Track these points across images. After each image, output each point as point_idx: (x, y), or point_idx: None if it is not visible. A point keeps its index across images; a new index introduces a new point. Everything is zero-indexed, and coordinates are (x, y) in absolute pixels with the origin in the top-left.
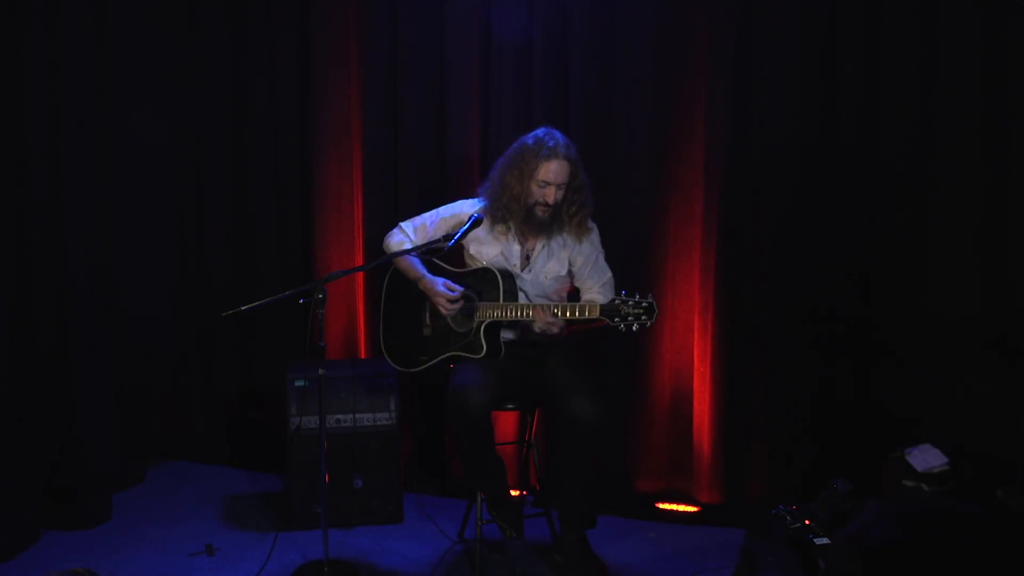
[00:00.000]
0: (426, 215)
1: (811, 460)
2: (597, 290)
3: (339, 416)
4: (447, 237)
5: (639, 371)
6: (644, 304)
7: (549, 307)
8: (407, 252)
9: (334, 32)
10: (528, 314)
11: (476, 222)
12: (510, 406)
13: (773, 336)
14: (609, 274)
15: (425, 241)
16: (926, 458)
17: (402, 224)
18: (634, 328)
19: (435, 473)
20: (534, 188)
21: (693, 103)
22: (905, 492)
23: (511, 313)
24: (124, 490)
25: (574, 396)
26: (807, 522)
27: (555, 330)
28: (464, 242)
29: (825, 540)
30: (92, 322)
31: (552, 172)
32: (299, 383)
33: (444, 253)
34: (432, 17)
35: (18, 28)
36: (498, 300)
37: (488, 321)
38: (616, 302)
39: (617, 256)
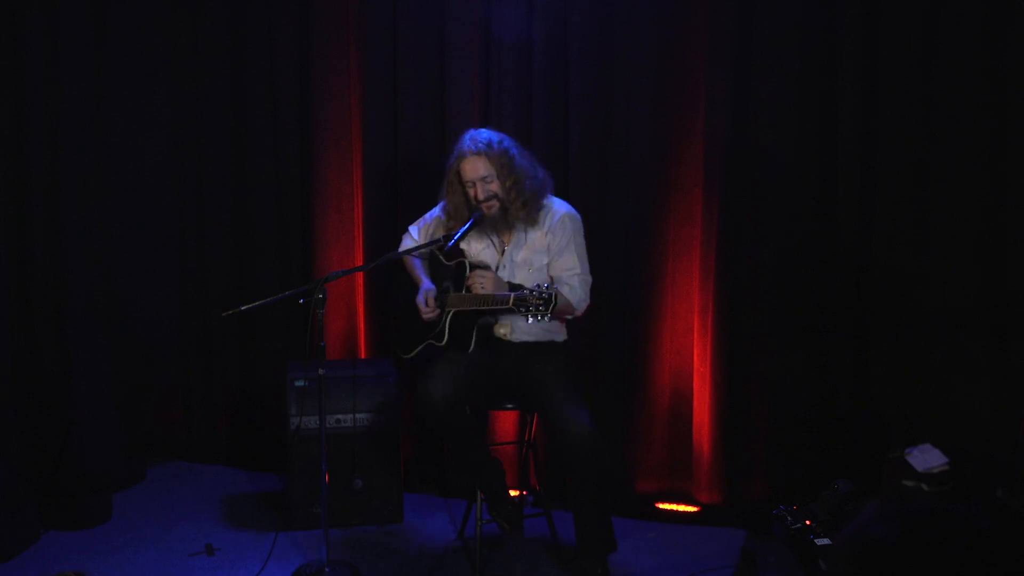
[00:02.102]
0: (427, 214)
1: (811, 460)
2: (565, 281)
3: (339, 416)
4: (447, 237)
5: (639, 371)
6: (545, 295)
7: (481, 299)
8: (410, 252)
9: (334, 32)
10: (477, 304)
11: (476, 222)
12: (509, 405)
13: (773, 336)
14: (579, 269)
15: (426, 239)
16: (926, 458)
17: (410, 228)
18: (538, 319)
19: (435, 473)
20: (467, 189)
21: (693, 103)
22: (905, 492)
23: (466, 304)
24: (124, 490)
25: (563, 413)
26: (808, 522)
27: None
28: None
29: (826, 540)
30: (92, 322)
31: (467, 171)
32: (299, 383)
33: (448, 250)
34: (432, 17)
35: (18, 30)
36: (461, 292)
37: (453, 311)
38: (526, 293)
39: (617, 256)
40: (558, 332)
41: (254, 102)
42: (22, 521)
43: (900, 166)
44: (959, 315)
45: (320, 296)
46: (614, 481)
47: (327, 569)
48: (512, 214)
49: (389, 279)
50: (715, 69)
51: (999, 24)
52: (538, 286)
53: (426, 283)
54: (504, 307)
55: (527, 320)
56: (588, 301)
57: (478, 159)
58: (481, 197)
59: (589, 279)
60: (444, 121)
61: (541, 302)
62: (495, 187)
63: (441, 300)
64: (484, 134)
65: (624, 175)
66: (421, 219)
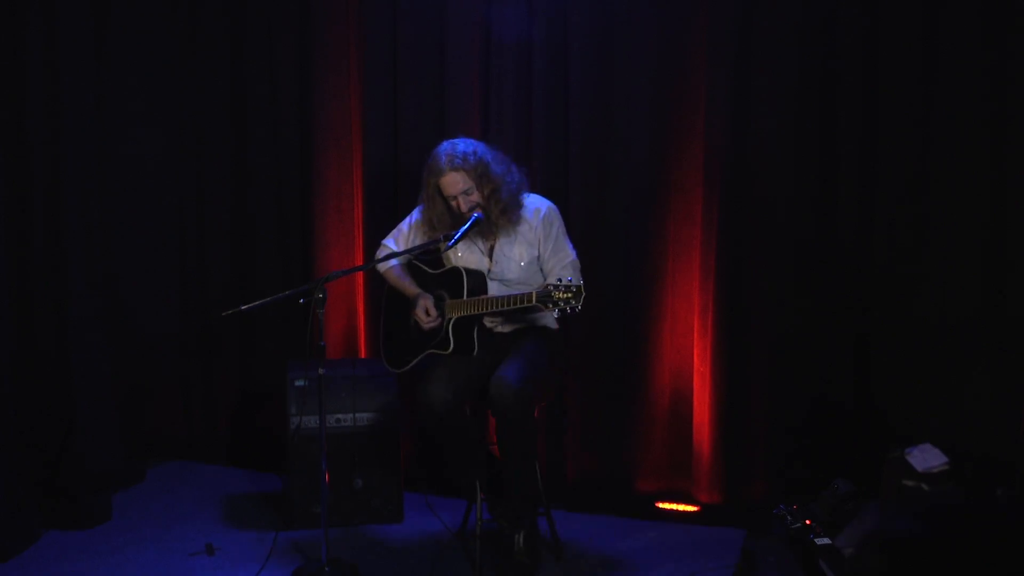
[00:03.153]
0: (401, 223)
1: (811, 460)
2: (558, 272)
3: (339, 416)
4: (447, 237)
5: (639, 371)
6: (573, 288)
7: (494, 301)
8: (411, 251)
9: (334, 32)
10: (485, 307)
11: (476, 222)
12: None
13: (773, 336)
14: (572, 256)
15: (407, 247)
16: (926, 458)
17: (385, 241)
18: (567, 312)
19: (435, 473)
20: (449, 201)
21: (693, 103)
22: (905, 492)
23: (472, 308)
24: (124, 490)
25: (498, 375)
26: (807, 522)
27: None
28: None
29: (826, 540)
30: (92, 322)
31: (446, 186)
32: (299, 383)
33: (441, 254)
34: (432, 17)
35: (18, 27)
36: (462, 297)
37: (455, 318)
38: (549, 288)
39: (617, 256)
40: (548, 321)
41: (254, 102)
42: (22, 521)
43: (900, 166)
44: (959, 314)
45: (320, 296)
46: (532, 451)
47: (327, 569)
48: (492, 219)
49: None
50: (715, 69)
51: (999, 24)
52: (559, 279)
53: (422, 294)
54: (524, 306)
55: (555, 315)
56: (582, 282)
57: (456, 174)
58: (465, 209)
59: (578, 262)
60: (444, 121)
61: (570, 294)
62: (476, 197)
63: (440, 308)
64: (460, 147)
65: (624, 175)
66: (396, 230)
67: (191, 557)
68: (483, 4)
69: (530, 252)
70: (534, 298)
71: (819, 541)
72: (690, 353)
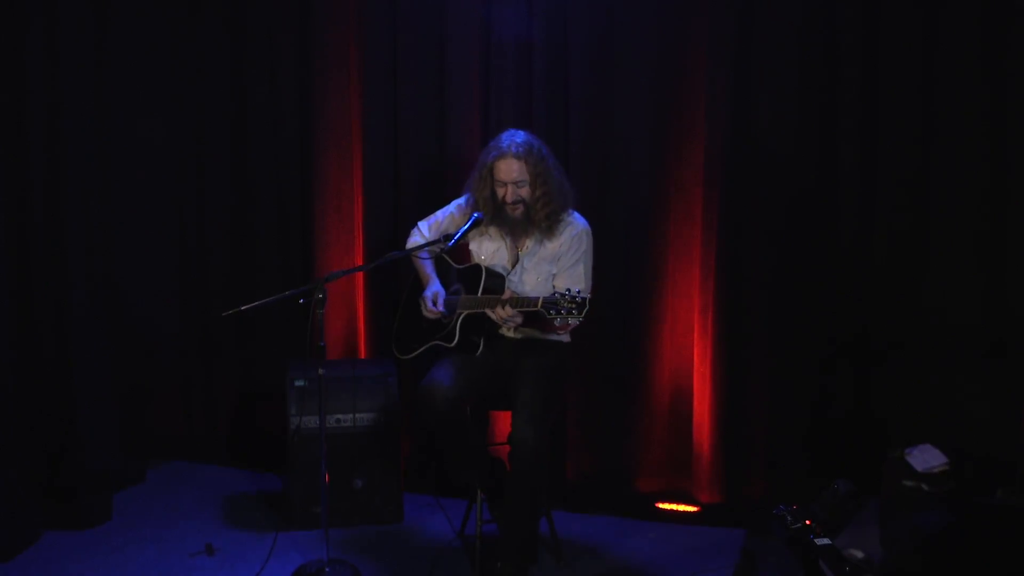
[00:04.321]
0: (439, 212)
1: (811, 460)
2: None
3: (339, 416)
4: (447, 237)
5: (639, 371)
6: (578, 300)
7: (502, 299)
8: (410, 252)
9: (334, 32)
10: (493, 306)
11: (476, 222)
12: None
13: (773, 336)
14: (582, 285)
15: (438, 236)
16: (926, 458)
17: (419, 224)
18: (569, 321)
19: (435, 473)
20: (497, 188)
21: (693, 103)
22: (905, 492)
23: (481, 305)
24: (124, 490)
25: (518, 415)
26: (808, 522)
27: (516, 322)
28: (467, 238)
29: (826, 540)
30: (92, 322)
31: (502, 171)
32: (299, 383)
33: (448, 250)
34: (432, 17)
35: (18, 27)
36: (476, 294)
37: (465, 314)
38: (556, 295)
39: (617, 257)
40: (562, 335)
41: (254, 102)
42: (22, 521)
43: (900, 166)
44: (959, 315)
45: (320, 296)
46: (542, 495)
47: (327, 569)
48: (534, 222)
49: (389, 279)
50: (715, 69)
51: (999, 24)
52: (568, 290)
53: (435, 283)
54: (529, 309)
55: (555, 322)
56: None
57: (515, 161)
58: (510, 199)
59: (589, 296)
60: (444, 121)
61: (574, 305)
62: (525, 192)
63: (452, 302)
64: (522, 135)
65: (624, 175)
66: (432, 216)
67: (191, 557)
68: (483, 4)
69: (549, 269)
70: (539, 303)
71: (819, 541)
72: (690, 353)
